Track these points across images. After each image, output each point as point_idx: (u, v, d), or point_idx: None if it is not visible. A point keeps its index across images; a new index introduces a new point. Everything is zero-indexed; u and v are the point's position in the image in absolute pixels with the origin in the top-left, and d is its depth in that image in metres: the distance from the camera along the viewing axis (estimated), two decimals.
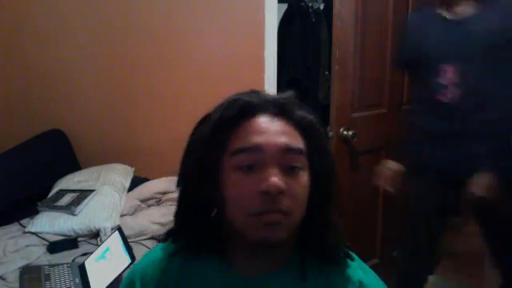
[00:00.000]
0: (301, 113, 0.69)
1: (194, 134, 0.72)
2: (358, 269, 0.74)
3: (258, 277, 0.70)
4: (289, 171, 0.65)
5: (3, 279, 1.67)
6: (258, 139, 0.65)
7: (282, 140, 0.65)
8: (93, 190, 2.15)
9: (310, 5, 3.01)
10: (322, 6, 3.06)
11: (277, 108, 0.68)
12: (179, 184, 0.72)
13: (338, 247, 0.73)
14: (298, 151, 0.67)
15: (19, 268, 1.73)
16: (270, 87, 2.39)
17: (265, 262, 0.70)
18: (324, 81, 3.01)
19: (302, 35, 2.98)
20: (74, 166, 2.54)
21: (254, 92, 0.71)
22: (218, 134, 0.67)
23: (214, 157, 0.67)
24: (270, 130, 0.66)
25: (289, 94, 0.72)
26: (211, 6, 2.42)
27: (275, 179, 0.63)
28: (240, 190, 0.65)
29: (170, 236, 0.74)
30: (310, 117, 0.70)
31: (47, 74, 2.58)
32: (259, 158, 0.64)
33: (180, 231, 0.73)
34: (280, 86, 2.62)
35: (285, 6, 3.03)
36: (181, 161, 0.71)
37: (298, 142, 0.67)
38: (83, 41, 2.53)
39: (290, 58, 2.96)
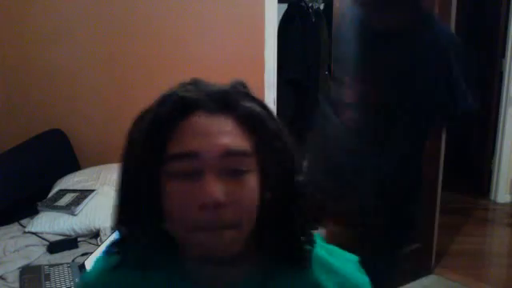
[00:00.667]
0: (248, 105, 0.60)
1: (129, 134, 0.63)
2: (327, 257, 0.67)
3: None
4: (232, 176, 0.57)
5: (3, 279, 1.67)
6: (193, 143, 0.57)
7: (222, 142, 0.57)
8: (93, 190, 2.15)
9: (310, 5, 3.01)
10: (322, 6, 3.06)
11: (217, 102, 0.59)
12: (119, 190, 0.65)
13: (303, 250, 0.64)
14: (241, 153, 0.58)
15: (19, 268, 1.73)
16: (270, 87, 2.40)
17: (222, 274, 0.63)
18: (324, 81, 3.01)
19: (302, 35, 2.98)
20: (74, 165, 2.54)
21: (194, 82, 0.62)
22: (152, 137, 0.58)
23: (150, 163, 0.58)
24: (207, 131, 0.57)
25: (235, 82, 0.63)
26: (211, 7, 2.42)
27: (212, 191, 0.55)
28: (177, 202, 0.57)
29: (115, 247, 0.66)
30: (258, 109, 0.60)
31: (47, 74, 2.58)
32: (196, 164, 0.56)
33: (124, 241, 0.65)
34: (280, 86, 2.62)
35: (285, 6, 3.04)
36: (119, 164, 0.65)
37: (241, 142, 0.58)
38: (83, 41, 2.53)
39: (290, 58, 2.97)
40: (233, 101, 0.59)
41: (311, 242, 0.65)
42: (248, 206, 0.59)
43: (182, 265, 0.64)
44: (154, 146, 0.58)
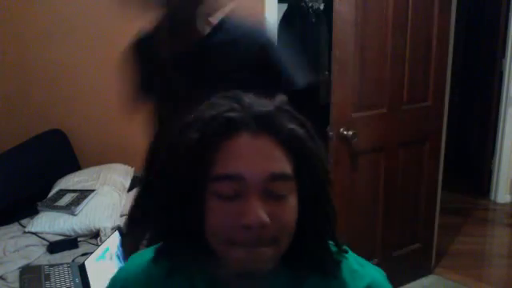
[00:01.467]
0: (290, 126, 0.61)
1: (172, 148, 0.63)
2: (360, 268, 0.69)
3: None
4: (275, 198, 0.59)
5: (3, 279, 1.67)
6: (238, 166, 0.58)
7: (266, 167, 0.58)
8: (93, 190, 2.15)
9: (310, 5, 3.01)
10: (322, 6, 3.06)
11: (262, 124, 0.59)
12: (159, 200, 0.65)
13: (334, 260, 0.67)
14: (284, 177, 0.60)
15: (19, 268, 1.73)
16: None
17: (255, 285, 0.65)
18: (324, 81, 3.01)
19: (302, 35, 2.98)
20: (74, 165, 2.54)
21: (237, 98, 0.62)
22: (199, 157, 0.59)
23: (195, 182, 0.60)
24: (251, 153, 0.58)
25: (280, 99, 0.64)
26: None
27: (257, 213, 0.57)
28: (220, 220, 0.59)
29: (160, 255, 0.68)
30: (300, 131, 0.62)
31: (47, 74, 2.58)
32: (240, 186, 0.58)
33: (167, 251, 0.67)
34: None
35: (285, 6, 3.03)
36: (154, 178, 0.66)
37: (284, 166, 0.60)
38: (84, 41, 2.53)
39: None
40: (276, 122, 0.60)
41: (342, 253, 0.68)
42: (287, 225, 0.61)
43: (219, 275, 0.66)
44: (200, 166, 0.59)
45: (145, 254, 0.72)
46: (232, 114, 0.60)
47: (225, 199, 0.59)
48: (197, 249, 0.63)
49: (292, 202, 0.61)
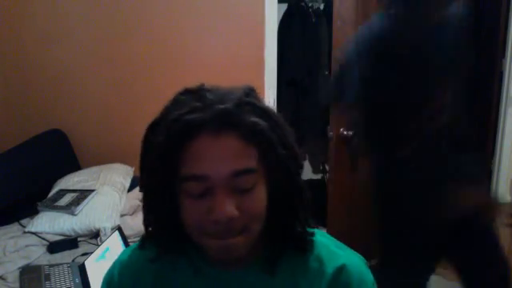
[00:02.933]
0: (251, 120, 0.62)
1: (143, 149, 0.69)
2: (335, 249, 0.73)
3: (231, 271, 0.71)
4: (241, 191, 0.63)
5: (3, 279, 1.67)
6: (202, 167, 0.61)
7: (229, 165, 0.61)
8: (93, 190, 2.15)
9: (310, 5, 3.01)
10: (322, 6, 3.06)
11: (221, 122, 0.61)
12: (143, 197, 0.72)
13: (306, 238, 0.71)
14: (248, 172, 0.62)
15: (19, 268, 1.73)
16: (270, 87, 2.40)
17: (232, 264, 0.71)
18: (324, 81, 3.01)
19: (302, 35, 2.98)
20: (74, 165, 2.54)
21: (200, 95, 0.65)
22: (165, 160, 0.63)
23: (164, 182, 0.65)
24: (214, 153, 0.61)
25: (241, 91, 0.66)
26: (211, 7, 2.42)
27: (223, 209, 0.61)
28: (192, 215, 0.64)
29: (145, 242, 0.76)
30: (262, 123, 0.63)
31: (47, 74, 2.58)
32: (207, 185, 0.62)
33: (151, 237, 0.74)
34: (280, 86, 2.62)
35: (285, 6, 3.04)
36: (139, 173, 0.71)
37: (247, 161, 0.62)
38: (83, 41, 2.53)
39: (289, 58, 2.97)
40: (237, 119, 0.62)
41: (312, 232, 0.72)
42: (256, 214, 0.65)
43: (200, 259, 0.72)
44: (167, 167, 0.63)
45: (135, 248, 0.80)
46: (192, 116, 0.61)
47: (195, 197, 0.63)
48: (178, 236, 0.70)
49: (259, 191, 0.65)
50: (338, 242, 0.75)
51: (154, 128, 0.67)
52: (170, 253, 0.73)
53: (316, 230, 0.73)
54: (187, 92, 0.67)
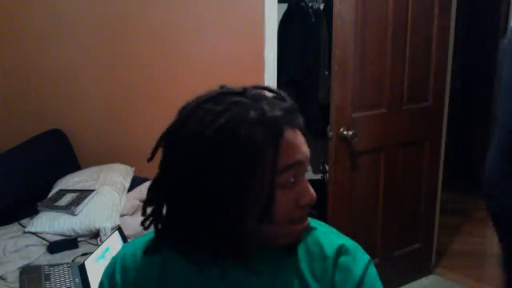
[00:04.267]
0: (301, 120, 0.72)
1: (217, 152, 0.65)
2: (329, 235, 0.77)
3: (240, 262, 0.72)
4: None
5: (3, 279, 1.67)
6: (297, 155, 0.68)
7: (308, 151, 0.70)
8: (93, 190, 2.15)
9: (310, 5, 3.01)
10: (322, 6, 3.06)
11: (295, 119, 0.69)
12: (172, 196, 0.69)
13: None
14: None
15: (19, 268, 1.73)
16: None
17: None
18: (324, 81, 3.01)
19: (302, 35, 2.98)
20: (74, 165, 2.54)
21: (257, 98, 0.68)
22: (265, 156, 0.64)
23: (263, 179, 0.65)
24: (299, 142, 0.69)
25: (281, 95, 0.72)
26: (211, 7, 2.42)
27: (311, 192, 0.69)
28: (285, 205, 0.68)
29: (155, 245, 0.75)
30: (303, 123, 0.72)
31: (47, 74, 2.58)
32: (300, 170, 0.69)
33: (165, 237, 0.74)
34: (280, 86, 2.62)
35: (285, 6, 3.03)
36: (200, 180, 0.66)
37: None
38: (83, 41, 2.53)
39: (289, 58, 2.96)
40: (299, 117, 0.71)
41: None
42: None
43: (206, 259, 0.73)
44: (267, 162, 0.65)
45: (145, 237, 0.79)
46: (274, 114, 0.66)
47: (288, 187, 0.67)
48: (189, 239, 0.71)
49: None
50: (333, 229, 0.81)
51: (232, 130, 0.64)
52: (178, 251, 0.73)
53: (311, 219, 0.77)
54: (230, 93, 0.69)
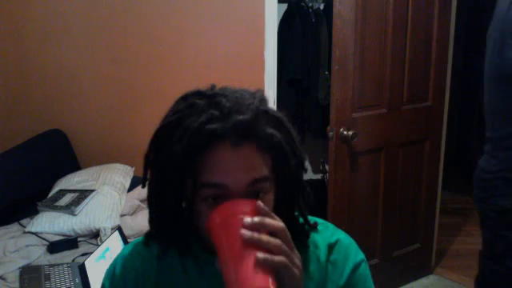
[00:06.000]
0: (268, 132, 0.64)
1: (154, 149, 0.69)
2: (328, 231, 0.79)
3: None
4: (255, 194, 0.65)
5: (3, 279, 1.67)
6: (222, 176, 0.63)
7: (248, 175, 0.63)
8: (93, 190, 2.15)
9: (310, 5, 3.01)
10: (321, 6, 3.06)
11: (241, 133, 0.63)
12: (150, 196, 0.72)
13: (300, 229, 0.75)
14: (264, 179, 0.65)
15: (19, 268, 1.73)
16: (270, 87, 2.40)
17: None
18: (324, 81, 3.01)
19: (302, 35, 2.98)
20: (74, 166, 2.54)
21: (216, 100, 0.64)
22: (183, 168, 0.64)
23: (177, 185, 0.67)
24: (234, 164, 0.63)
25: (256, 99, 0.66)
26: (212, 7, 2.42)
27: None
28: (205, 217, 0.64)
29: (149, 239, 0.77)
30: (278, 135, 0.65)
31: (47, 74, 2.58)
32: (224, 192, 0.63)
33: (155, 234, 0.75)
34: (280, 86, 2.62)
35: (285, 6, 3.03)
36: (144, 170, 0.72)
37: (264, 170, 0.65)
38: (83, 41, 2.53)
39: (289, 58, 2.96)
40: (256, 130, 0.63)
41: (313, 227, 0.77)
42: None
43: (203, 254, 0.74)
44: (186, 175, 0.64)
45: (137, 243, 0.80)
46: (213, 127, 0.62)
47: (210, 201, 0.64)
48: (181, 234, 0.73)
49: (269, 197, 0.67)
50: (330, 224, 0.81)
51: (169, 130, 0.65)
52: (173, 249, 0.74)
53: (311, 218, 0.77)
54: (201, 95, 0.67)
